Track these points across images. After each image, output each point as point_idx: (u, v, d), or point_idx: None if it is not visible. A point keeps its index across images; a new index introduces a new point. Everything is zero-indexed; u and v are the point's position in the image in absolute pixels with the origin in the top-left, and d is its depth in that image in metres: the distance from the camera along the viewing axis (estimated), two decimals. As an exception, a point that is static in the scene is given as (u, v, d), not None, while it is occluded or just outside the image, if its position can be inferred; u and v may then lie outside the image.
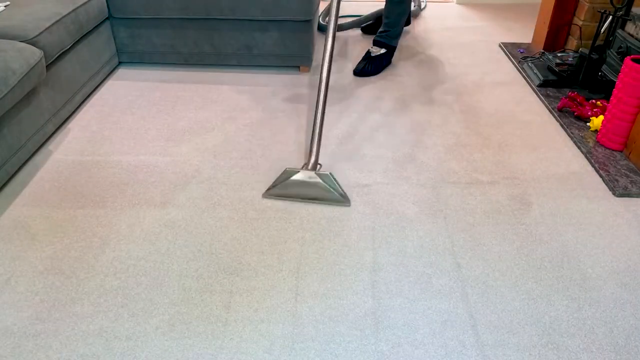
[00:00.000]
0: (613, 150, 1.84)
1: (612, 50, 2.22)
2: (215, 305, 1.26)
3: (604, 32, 2.23)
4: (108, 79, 2.38)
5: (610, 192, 1.66)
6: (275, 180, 1.64)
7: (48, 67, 1.86)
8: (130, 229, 1.50)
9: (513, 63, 2.58)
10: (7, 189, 1.66)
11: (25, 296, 1.28)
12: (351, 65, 2.54)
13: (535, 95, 2.27)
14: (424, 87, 2.34)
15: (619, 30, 2.16)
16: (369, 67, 2.44)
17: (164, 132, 1.97)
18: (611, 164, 1.77)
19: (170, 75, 2.42)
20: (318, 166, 1.69)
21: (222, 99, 2.22)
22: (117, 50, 2.44)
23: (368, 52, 2.50)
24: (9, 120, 1.63)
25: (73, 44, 2.04)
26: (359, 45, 2.79)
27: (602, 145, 1.87)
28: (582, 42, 2.44)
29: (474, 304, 1.27)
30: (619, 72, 1.86)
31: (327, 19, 3.09)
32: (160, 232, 1.49)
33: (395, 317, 1.23)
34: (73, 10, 1.99)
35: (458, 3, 3.48)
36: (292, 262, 1.39)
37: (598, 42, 2.22)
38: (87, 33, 2.14)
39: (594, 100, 2.07)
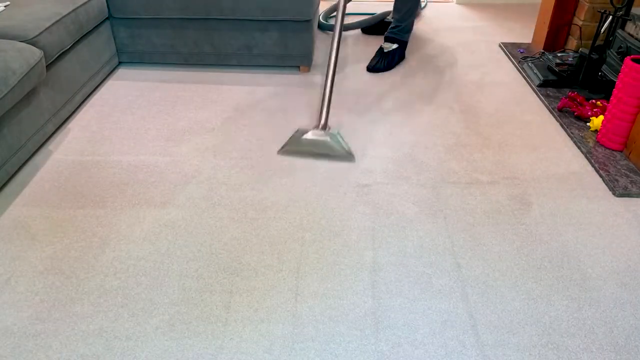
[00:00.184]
0: (613, 150, 1.84)
1: (612, 50, 2.22)
2: (215, 305, 1.26)
3: (604, 32, 2.23)
4: (108, 79, 2.38)
5: (610, 192, 1.66)
6: (289, 140, 1.84)
7: (48, 67, 1.86)
8: (130, 229, 1.50)
9: (513, 63, 2.58)
10: (7, 189, 1.66)
11: (25, 296, 1.28)
12: (349, 65, 2.54)
13: (535, 95, 2.27)
14: (424, 87, 2.34)
15: (619, 30, 2.16)
16: (382, 63, 2.47)
17: (164, 132, 1.97)
18: (611, 164, 1.77)
19: (170, 75, 2.42)
20: (327, 128, 1.88)
21: (222, 99, 2.22)
22: (117, 50, 2.44)
23: (381, 49, 2.53)
24: (9, 120, 1.63)
25: (73, 44, 2.04)
26: (360, 45, 2.79)
27: (602, 145, 1.87)
28: (582, 42, 2.44)
29: (474, 304, 1.27)
30: (619, 72, 1.86)
31: (328, 17, 3.11)
32: (160, 232, 1.49)
33: (395, 317, 1.23)
34: (73, 10, 1.99)
35: (458, 3, 3.48)
36: (292, 262, 1.39)
37: (598, 42, 2.22)
38: (87, 33, 2.14)
39: (594, 100, 2.07)
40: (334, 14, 3.20)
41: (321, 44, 2.81)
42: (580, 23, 2.43)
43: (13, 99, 1.57)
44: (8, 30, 1.75)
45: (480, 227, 1.51)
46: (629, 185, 1.66)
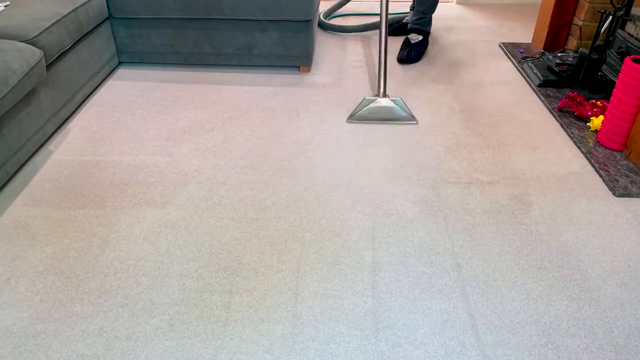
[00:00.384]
0: (613, 150, 1.84)
1: (612, 50, 2.22)
2: (215, 305, 1.26)
3: (604, 32, 2.23)
4: (108, 79, 2.38)
5: (610, 192, 1.66)
6: (356, 108, 2.06)
7: (48, 67, 1.86)
8: (130, 229, 1.50)
9: (513, 63, 2.58)
10: (7, 189, 1.66)
11: (25, 296, 1.28)
12: (348, 67, 2.55)
13: (535, 95, 2.27)
14: (424, 87, 2.34)
15: (619, 30, 2.16)
16: (413, 53, 2.56)
17: (164, 132, 1.97)
18: (611, 164, 1.77)
19: (170, 75, 2.42)
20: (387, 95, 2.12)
21: (222, 99, 2.22)
22: (117, 50, 2.44)
23: (407, 40, 2.61)
24: (9, 120, 1.63)
25: (73, 44, 2.04)
26: (358, 45, 2.79)
27: (602, 145, 1.87)
28: (582, 42, 2.44)
29: (474, 304, 1.27)
30: (619, 72, 1.86)
31: (328, 16, 3.11)
32: (160, 232, 1.49)
33: (395, 317, 1.23)
34: (73, 10, 1.99)
35: (458, 3, 3.48)
36: (292, 262, 1.39)
37: (598, 42, 2.22)
38: (87, 33, 2.14)
39: (594, 100, 2.07)
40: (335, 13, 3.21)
41: (321, 44, 2.81)
42: (580, 23, 2.43)
43: (13, 99, 1.57)
44: (8, 30, 1.75)
45: (480, 227, 1.51)
46: (629, 185, 1.66)
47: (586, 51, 2.18)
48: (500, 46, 2.78)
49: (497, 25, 3.10)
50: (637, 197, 1.64)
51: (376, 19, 3.07)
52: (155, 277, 1.34)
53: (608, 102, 1.98)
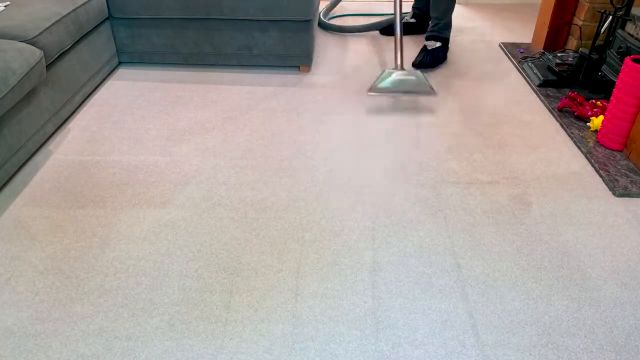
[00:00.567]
0: (613, 150, 1.84)
1: (612, 50, 2.22)
2: (215, 305, 1.26)
3: (604, 32, 2.23)
4: (108, 79, 2.38)
5: (610, 192, 1.66)
6: (376, 80, 2.10)
7: (48, 67, 1.86)
8: (130, 229, 1.50)
9: (513, 63, 2.58)
10: (7, 189, 1.66)
11: (25, 296, 1.28)
12: (348, 67, 2.55)
13: (535, 95, 2.27)
14: (424, 87, 2.34)
15: (619, 30, 2.16)
16: (428, 58, 2.50)
17: (164, 132, 1.97)
18: (611, 164, 1.77)
19: (170, 75, 2.42)
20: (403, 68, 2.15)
21: (222, 99, 2.22)
22: (117, 50, 2.44)
23: (424, 47, 2.56)
24: (9, 120, 1.63)
25: (73, 44, 2.04)
26: (358, 45, 2.80)
27: (602, 145, 1.87)
28: (582, 42, 2.44)
29: (474, 304, 1.27)
30: (619, 72, 1.86)
31: (327, 15, 3.11)
32: (160, 232, 1.49)
33: (395, 317, 1.23)
34: (73, 10, 1.99)
35: (458, 3, 3.48)
36: (292, 262, 1.39)
37: (598, 42, 2.22)
38: (87, 33, 2.14)
39: (594, 100, 2.07)
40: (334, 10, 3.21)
41: (322, 44, 2.81)
42: (580, 23, 2.43)
43: (13, 99, 1.57)
44: (8, 30, 1.75)
45: (480, 227, 1.51)
46: (629, 185, 1.66)
47: (586, 51, 2.18)
48: (500, 46, 2.78)
49: (497, 25, 3.10)
50: (637, 197, 1.64)
51: (376, 19, 3.07)
52: (155, 277, 1.34)
53: (608, 102, 1.98)
